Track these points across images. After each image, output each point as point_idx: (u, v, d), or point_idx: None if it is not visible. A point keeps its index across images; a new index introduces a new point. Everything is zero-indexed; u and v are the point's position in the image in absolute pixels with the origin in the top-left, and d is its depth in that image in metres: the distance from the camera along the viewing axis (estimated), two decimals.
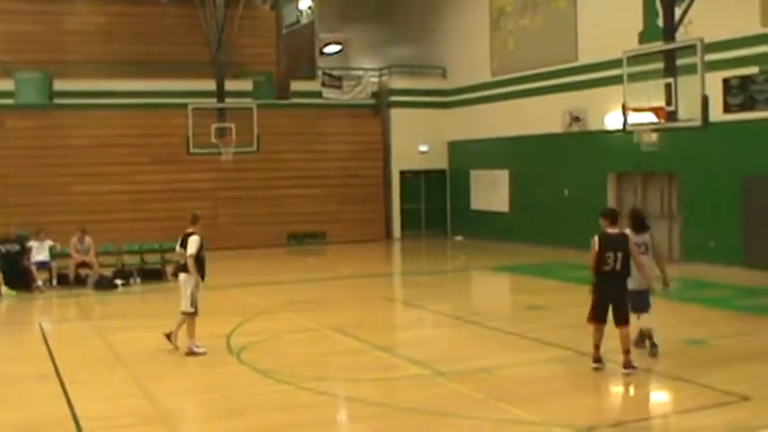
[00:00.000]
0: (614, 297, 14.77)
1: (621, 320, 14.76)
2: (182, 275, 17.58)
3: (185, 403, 13.52)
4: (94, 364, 16.56)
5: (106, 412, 13.06)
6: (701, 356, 16.18)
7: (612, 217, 15.12)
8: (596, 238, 14.74)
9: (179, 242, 17.75)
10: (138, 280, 27.38)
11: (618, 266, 14.61)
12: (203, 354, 16.98)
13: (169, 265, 28.83)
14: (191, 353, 16.93)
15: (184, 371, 15.72)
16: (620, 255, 14.60)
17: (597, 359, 14.88)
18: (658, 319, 20.92)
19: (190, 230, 17.62)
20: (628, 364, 14.62)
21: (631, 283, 15.31)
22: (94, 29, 39.34)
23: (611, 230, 14.87)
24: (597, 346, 14.90)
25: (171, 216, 36.03)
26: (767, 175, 25.68)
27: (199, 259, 17.30)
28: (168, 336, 17.45)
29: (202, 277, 17.44)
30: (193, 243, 17.23)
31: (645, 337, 16.35)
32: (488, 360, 15.36)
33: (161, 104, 37.46)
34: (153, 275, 27.78)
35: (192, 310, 17.11)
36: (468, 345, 17.79)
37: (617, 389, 14.75)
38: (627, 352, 14.68)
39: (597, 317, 14.87)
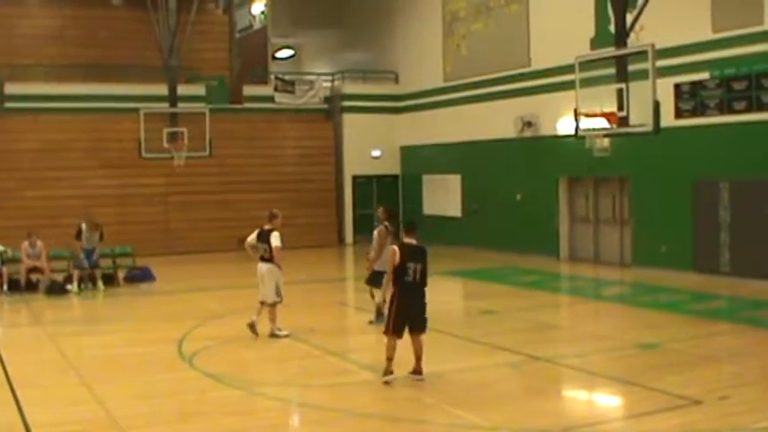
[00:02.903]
0: (414, 309, 14.73)
1: (419, 330, 14.76)
2: (264, 267, 18.70)
3: (136, 409, 13.40)
4: (45, 369, 16.45)
5: (57, 418, 12.95)
6: (653, 360, 16.27)
7: (412, 228, 15.11)
8: (395, 248, 14.73)
9: (255, 236, 18.82)
10: (90, 285, 27.14)
11: (417, 278, 14.61)
12: (286, 336, 18.60)
13: (121, 270, 28.74)
14: (273, 335, 18.63)
15: (136, 376, 15.60)
16: (419, 266, 14.61)
17: (390, 371, 14.56)
18: (611, 323, 21.12)
19: (267, 227, 18.75)
20: (419, 371, 14.68)
21: (378, 266, 18.74)
22: (46, 32, 38.99)
23: (410, 241, 14.84)
24: (390, 359, 14.60)
25: (123, 221, 35.95)
26: (717, 180, 25.85)
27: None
28: (251, 325, 18.75)
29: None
30: (278, 236, 18.53)
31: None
32: (441, 365, 15.35)
33: (113, 109, 37.10)
34: (105, 280, 27.54)
35: (279, 299, 18.76)
36: None
37: (569, 393, 14.83)
38: (419, 359, 14.70)
39: (396, 329, 14.65)
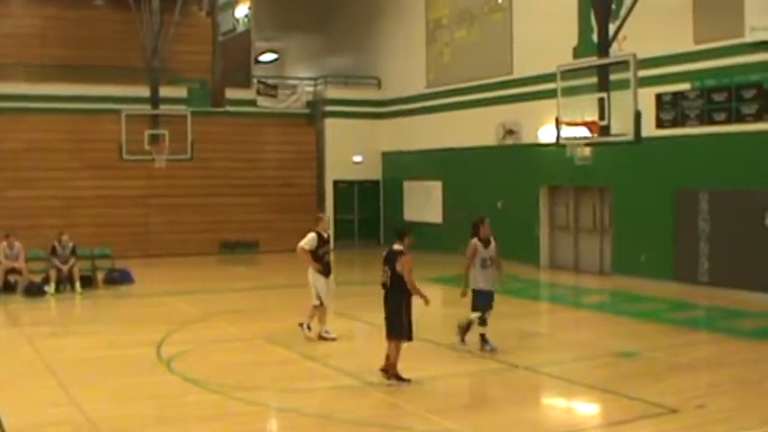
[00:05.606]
0: (385, 311, 15.22)
1: (389, 334, 15.08)
2: (310, 269, 19.41)
3: (114, 412, 13.36)
4: (22, 371, 16.35)
5: (34, 421, 12.90)
6: (631, 369, 16.32)
7: (398, 235, 15.74)
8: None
9: None
10: (69, 286, 27.01)
11: (387, 282, 15.07)
12: (333, 339, 19.14)
13: (99, 271, 28.63)
14: (321, 338, 19.11)
15: (114, 379, 15.53)
16: (387, 271, 15.08)
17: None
18: (590, 331, 21.15)
19: (315, 230, 19.36)
20: (384, 369, 14.87)
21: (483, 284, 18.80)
22: (29, 32, 38.90)
23: (394, 247, 15.32)
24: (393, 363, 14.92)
25: (103, 222, 35.83)
26: (698, 190, 25.92)
27: (317, 255, 19.37)
28: (301, 325, 19.25)
29: (327, 274, 19.63)
30: (306, 238, 19.23)
31: (469, 325, 18.50)
32: (420, 371, 15.34)
33: (94, 110, 37.01)
34: (84, 282, 27.40)
35: (317, 302, 19.19)
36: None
37: (548, 401, 14.84)
38: (392, 365, 14.85)
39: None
